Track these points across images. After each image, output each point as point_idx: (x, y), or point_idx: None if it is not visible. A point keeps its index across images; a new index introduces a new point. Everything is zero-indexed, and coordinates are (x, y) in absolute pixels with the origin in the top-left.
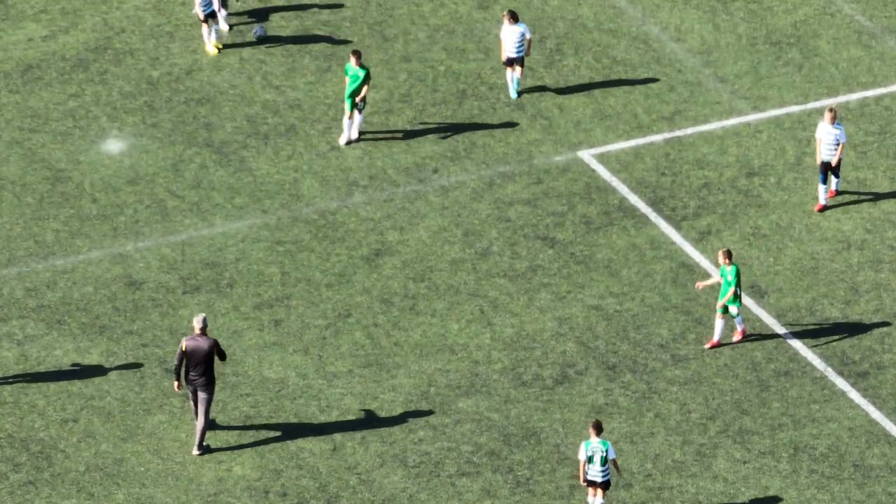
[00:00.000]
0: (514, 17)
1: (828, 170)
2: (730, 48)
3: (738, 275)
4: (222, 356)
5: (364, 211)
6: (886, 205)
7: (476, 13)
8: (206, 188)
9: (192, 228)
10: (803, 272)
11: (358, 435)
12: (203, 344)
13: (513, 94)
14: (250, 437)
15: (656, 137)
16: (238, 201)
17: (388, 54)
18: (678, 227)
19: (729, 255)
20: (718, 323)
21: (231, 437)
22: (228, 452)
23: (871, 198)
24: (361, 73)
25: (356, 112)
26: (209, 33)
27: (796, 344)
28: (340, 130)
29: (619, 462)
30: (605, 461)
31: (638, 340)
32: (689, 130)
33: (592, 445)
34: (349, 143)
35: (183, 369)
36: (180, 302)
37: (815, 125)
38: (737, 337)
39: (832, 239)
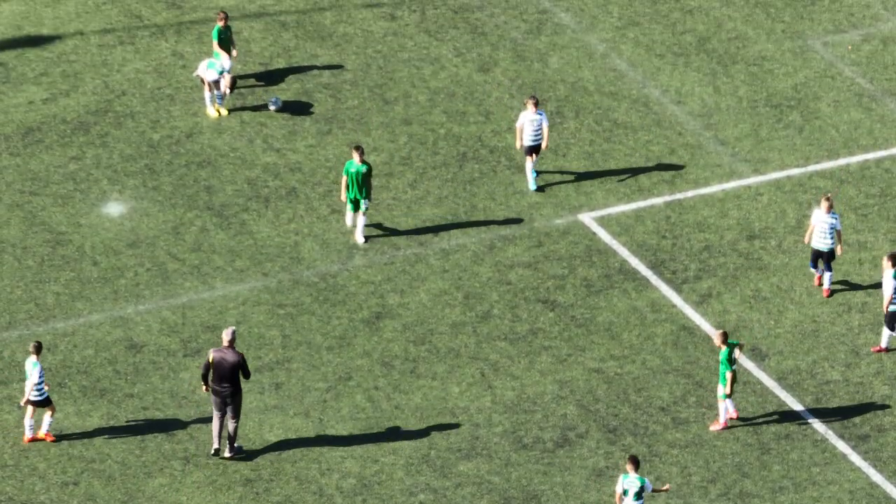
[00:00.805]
0: (537, 104)
1: (818, 258)
2: (730, 111)
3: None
4: (246, 374)
5: (365, 274)
6: None
7: (476, 76)
8: (207, 251)
9: (193, 291)
10: (804, 335)
11: (359, 498)
12: (229, 357)
13: (532, 186)
14: (251, 500)
15: (657, 200)
16: (239, 264)
17: (388, 117)
18: (679, 290)
19: (724, 336)
20: (721, 406)
21: (232, 500)
22: None
23: (872, 261)
24: (364, 169)
25: (361, 215)
26: (211, 97)
27: (797, 407)
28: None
29: None
30: (638, 496)
31: (639, 403)
32: (690, 193)
33: (629, 479)
34: (366, 239)
35: (209, 379)
36: (181, 365)
37: (816, 188)
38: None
39: (833, 302)
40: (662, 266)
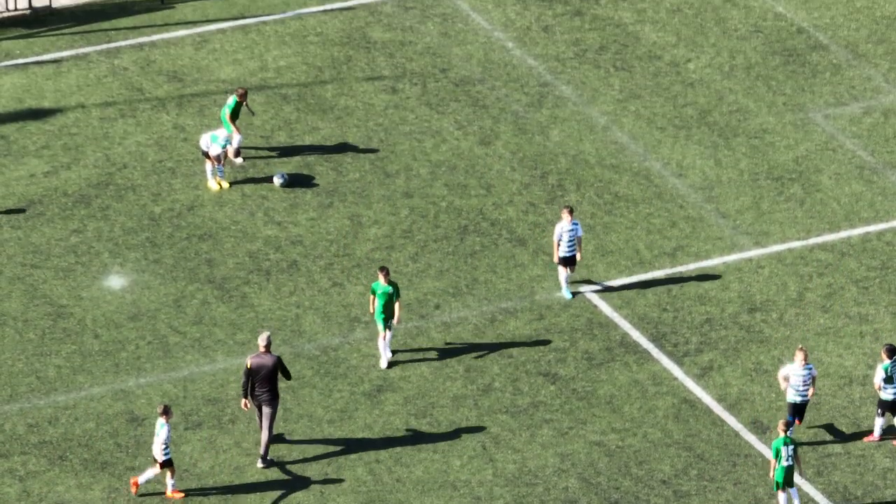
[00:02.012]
0: (572, 212)
1: (797, 412)
2: (732, 183)
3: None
4: (287, 375)
5: (366, 347)
6: (888, 340)
7: (478, 149)
8: (208, 324)
9: (194, 364)
10: (806, 408)
11: None
12: (267, 361)
13: (567, 295)
14: None
15: (658, 273)
16: (240, 337)
17: (389, 190)
18: (680, 363)
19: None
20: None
21: None
22: None
23: (873, 333)
24: (390, 290)
25: (388, 331)
26: (213, 170)
27: (798, 479)
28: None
29: None
30: None
31: (640, 476)
32: (691, 266)
33: None
34: (389, 365)
35: (249, 386)
36: (182, 438)
37: (817, 260)
38: None
39: (834, 374)
40: (664, 339)
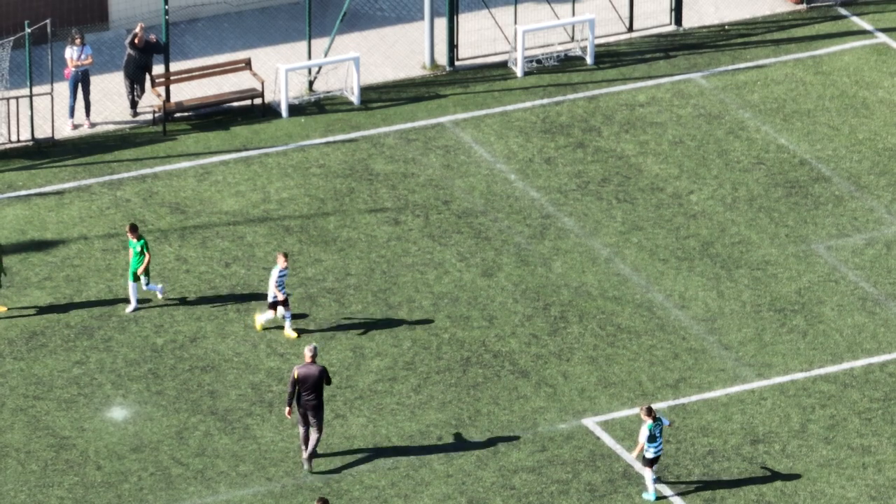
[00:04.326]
0: (650, 412)
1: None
2: (734, 315)
3: None
4: (328, 381)
5: (368, 479)
6: (891, 472)
7: (480, 281)
8: (211, 456)
9: (197, 496)
10: None
11: None
12: (313, 370)
13: (651, 496)
14: None
15: (661, 405)
16: (242, 469)
17: (392, 322)
18: (683, 495)
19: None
20: None
21: None
22: None
23: (876, 465)
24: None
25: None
26: (286, 316)
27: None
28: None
29: None
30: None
31: None
32: (694, 398)
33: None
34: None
35: (295, 396)
36: None
37: (820, 392)
38: None
39: None
40: (666, 471)
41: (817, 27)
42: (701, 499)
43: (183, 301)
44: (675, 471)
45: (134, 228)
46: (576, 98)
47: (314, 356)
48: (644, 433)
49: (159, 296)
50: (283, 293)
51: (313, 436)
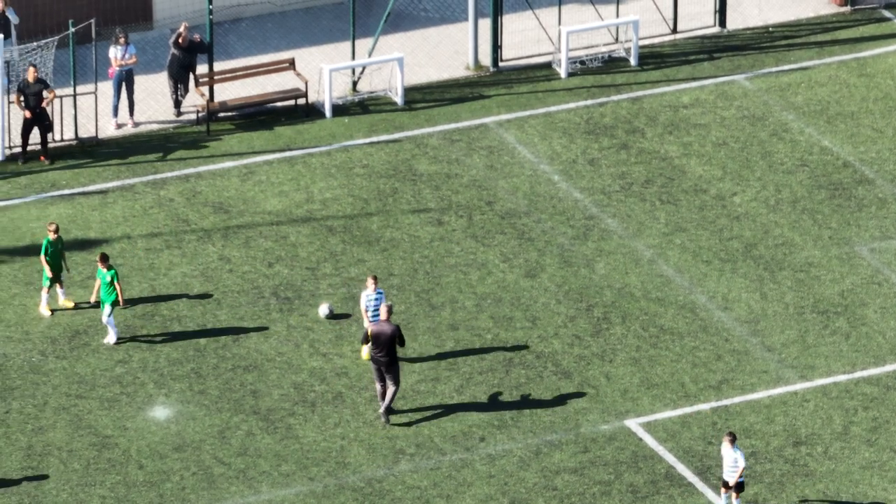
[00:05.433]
0: (734, 440)
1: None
2: (777, 317)
3: None
4: (402, 342)
5: (411, 479)
6: None
7: (523, 281)
8: (253, 455)
9: (239, 496)
10: None
11: None
12: (386, 329)
13: None
14: None
15: (703, 406)
16: (284, 469)
17: (435, 322)
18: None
19: None
20: None
21: None
22: None
23: None
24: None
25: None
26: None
27: None
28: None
29: None
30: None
31: None
32: (737, 399)
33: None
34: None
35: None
36: None
37: (863, 394)
38: None
39: None
40: (709, 472)
41: (861, 29)
42: (743, 500)
43: (226, 301)
44: (717, 472)
45: (104, 258)
46: (620, 99)
47: (390, 313)
48: (741, 461)
49: (110, 338)
50: (372, 320)
51: (390, 389)
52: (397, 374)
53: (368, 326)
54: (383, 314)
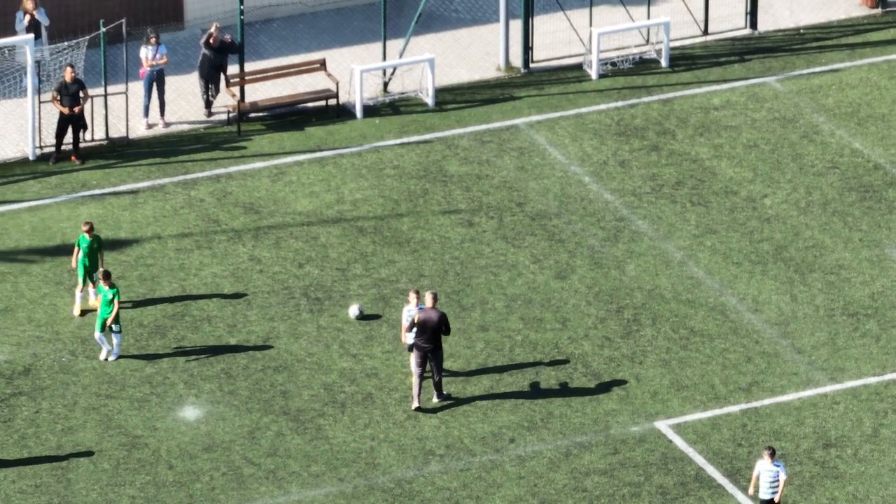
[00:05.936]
0: (773, 454)
1: None
2: (807, 319)
3: None
4: (447, 330)
5: (440, 480)
6: None
7: (553, 283)
8: (283, 456)
9: (269, 496)
10: None
11: None
12: (433, 315)
13: None
14: None
15: (733, 408)
16: (314, 469)
17: (465, 323)
18: (755, 499)
19: None
20: None
21: None
22: None
23: None
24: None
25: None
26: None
27: None
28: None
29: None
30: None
31: None
32: (767, 401)
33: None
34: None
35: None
36: None
37: (893, 396)
38: None
39: None
40: (738, 474)
41: (892, 31)
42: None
43: (256, 301)
44: (746, 474)
45: (107, 276)
46: (650, 101)
47: (435, 300)
48: (783, 474)
49: (104, 356)
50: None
51: (435, 376)
52: (441, 362)
53: (416, 314)
54: (429, 302)
